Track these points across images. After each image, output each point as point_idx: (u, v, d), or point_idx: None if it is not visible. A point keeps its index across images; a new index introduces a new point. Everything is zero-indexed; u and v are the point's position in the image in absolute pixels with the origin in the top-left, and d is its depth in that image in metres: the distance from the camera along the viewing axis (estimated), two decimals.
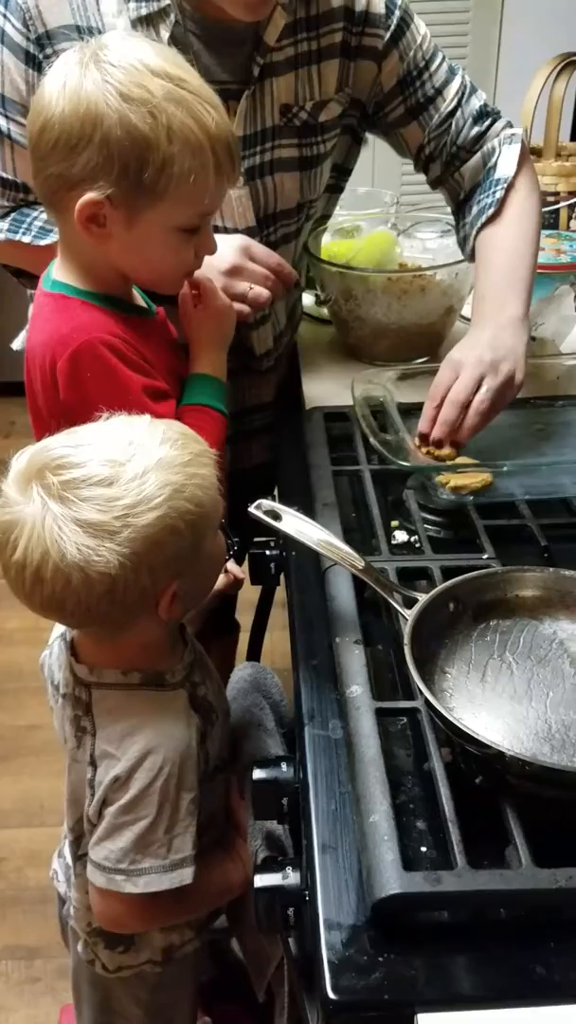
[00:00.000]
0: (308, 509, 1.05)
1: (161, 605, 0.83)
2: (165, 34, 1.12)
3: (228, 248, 1.12)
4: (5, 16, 1.11)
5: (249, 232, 1.23)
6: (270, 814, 0.86)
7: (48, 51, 1.11)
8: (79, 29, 1.10)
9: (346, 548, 0.88)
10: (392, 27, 1.26)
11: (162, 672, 0.90)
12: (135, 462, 0.79)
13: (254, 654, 1.41)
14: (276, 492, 1.20)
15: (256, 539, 1.16)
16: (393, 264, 1.49)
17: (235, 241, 1.14)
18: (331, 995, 0.62)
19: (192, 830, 0.87)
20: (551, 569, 0.89)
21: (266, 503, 0.88)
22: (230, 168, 0.95)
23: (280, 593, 1.16)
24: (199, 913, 1.00)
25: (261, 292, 1.14)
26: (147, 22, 1.12)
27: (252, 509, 0.88)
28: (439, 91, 1.32)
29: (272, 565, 1.13)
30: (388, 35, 1.26)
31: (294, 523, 0.88)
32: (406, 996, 0.62)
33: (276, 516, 0.88)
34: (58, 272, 0.99)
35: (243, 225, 1.23)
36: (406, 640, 0.78)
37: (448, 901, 0.66)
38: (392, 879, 0.65)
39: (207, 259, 1.04)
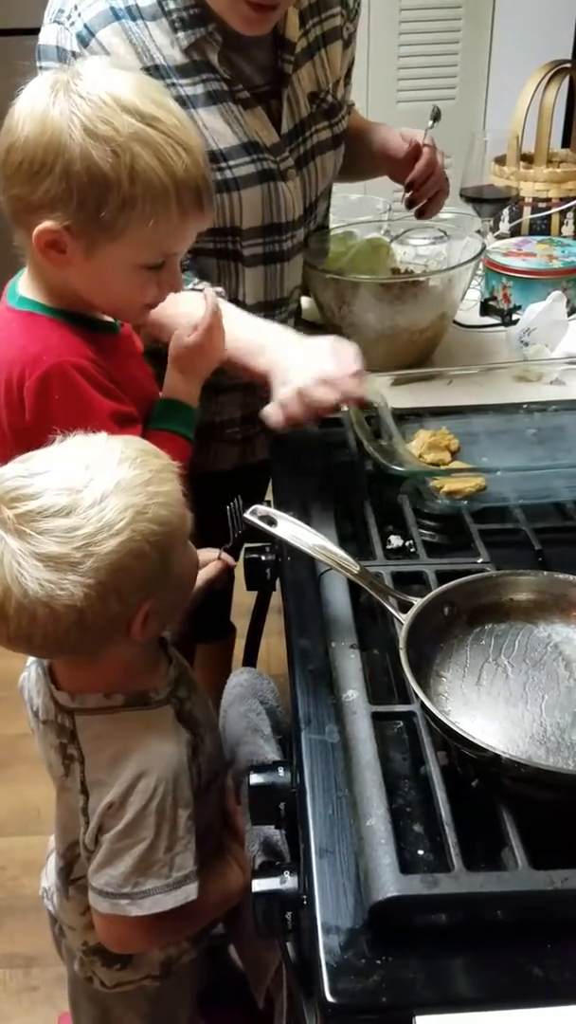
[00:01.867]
0: (303, 514, 1.06)
1: (134, 628, 0.82)
2: (214, 56, 1.16)
3: (324, 354, 1.08)
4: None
5: (296, 223, 1.28)
6: (267, 819, 0.86)
7: None
8: (148, 70, 1.13)
9: (341, 553, 0.88)
10: (355, 17, 1.34)
11: (145, 691, 0.89)
12: (92, 487, 0.77)
13: (250, 659, 1.41)
14: (271, 497, 1.20)
15: (251, 544, 1.16)
16: (385, 271, 1.50)
17: (326, 343, 1.10)
18: (329, 998, 0.62)
19: (192, 845, 0.87)
20: (545, 573, 0.89)
21: (261, 508, 0.89)
22: (197, 211, 0.94)
23: (276, 598, 1.16)
24: (203, 924, 1.00)
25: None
26: (197, 48, 1.15)
27: (247, 515, 0.88)
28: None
29: (267, 570, 1.13)
30: (354, 26, 1.35)
31: (289, 528, 0.88)
32: (404, 999, 0.62)
33: (271, 521, 0.88)
34: (25, 288, 0.99)
35: (295, 216, 1.28)
36: (401, 644, 0.78)
37: (445, 903, 0.66)
38: (389, 882, 0.65)
39: (304, 360, 1.05)
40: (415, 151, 1.40)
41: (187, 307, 1.09)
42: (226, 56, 1.17)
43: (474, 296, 1.61)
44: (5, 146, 0.90)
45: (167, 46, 1.14)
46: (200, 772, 0.93)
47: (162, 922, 0.88)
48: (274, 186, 1.24)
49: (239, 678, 1.09)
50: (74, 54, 1.11)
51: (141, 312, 1.02)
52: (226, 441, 1.44)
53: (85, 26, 1.11)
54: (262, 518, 0.88)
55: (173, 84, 1.15)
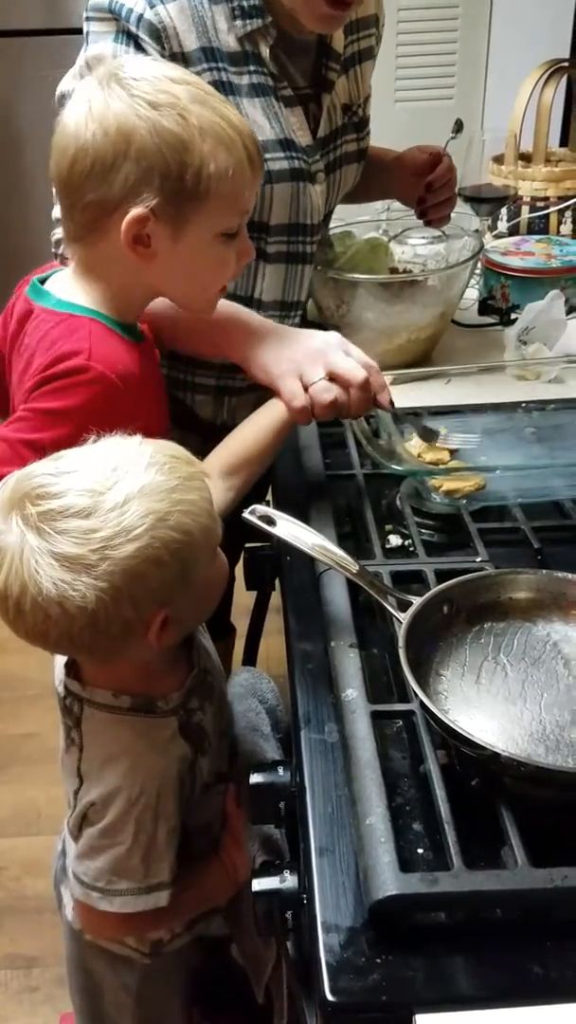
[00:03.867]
0: (302, 514, 1.06)
1: (151, 633, 0.82)
2: (265, 50, 1.18)
3: (320, 337, 1.07)
4: (138, 36, 1.11)
5: (317, 228, 1.30)
6: (267, 818, 0.86)
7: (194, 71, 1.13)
8: (204, 51, 1.14)
9: (340, 552, 0.88)
10: (379, 42, 1.39)
11: (154, 698, 0.89)
12: (116, 490, 0.76)
13: (250, 659, 1.41)
14: (271, 497, 1.20)
15: (250, 544, 1.16)
16: (384, 270, 1.50)
17: (331, 336, 1.07)
18: (330, 997, 0.62)
19: (170, 857, 0.88)
20: (544, 571, 0.89)
21: (260, 508, 0.89)
22: (260, 161, 0.97)
23: (275, 598, 1.16)
24: (185, 918, 1.01)
25: (335, 392, 1.03)
26: (250, 39, 1.17)
27: (246, 514, 0.88)
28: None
29: (267, 570, 1.13)
30: (379, 49, 1.39)
31: (288, 528, 0.88)
32: (404, 997, 0.62)
33: (270, 521, 0.88)
34: (68, 293, 0.97)
35: (317, 219, 1.30)
36: (401, 643, 0.78)
37: (445, 902, 0.66)
38: (389, 881, 0.65)
39: (288, 345, 1.04)
40: (435, 159, 1.43)
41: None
42: (275, 54, 1.19)
43: (473, 295, 1.61)
44: (69, 158, 0.90)
45: (224, 31, 1.16)
46: (196, 779, 0.93)
47: (132, 919, 0.90)
48: (303, 186, 1.25)
49: (239, 678, 1.09)
50: (138, 18, 1.11)
51: (215, 298, 1.02)
52: None
53: None
54: (261, 518, 0.88)
55: (222, 69, 1.16)
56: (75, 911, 0.93)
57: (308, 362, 1.02)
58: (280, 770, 0.85)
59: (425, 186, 1.41)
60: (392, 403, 1.07)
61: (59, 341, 0.93)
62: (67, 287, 0.99)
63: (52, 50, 2.72)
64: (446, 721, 0.72)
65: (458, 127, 1.45)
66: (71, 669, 0.91)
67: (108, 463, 0.78)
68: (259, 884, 0.76)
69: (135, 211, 0.90)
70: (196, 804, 0.94)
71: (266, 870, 0.79)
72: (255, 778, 0.84)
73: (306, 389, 1.02)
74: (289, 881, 0.76)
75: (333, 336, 1.06)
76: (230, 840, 0.97)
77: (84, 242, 0.95)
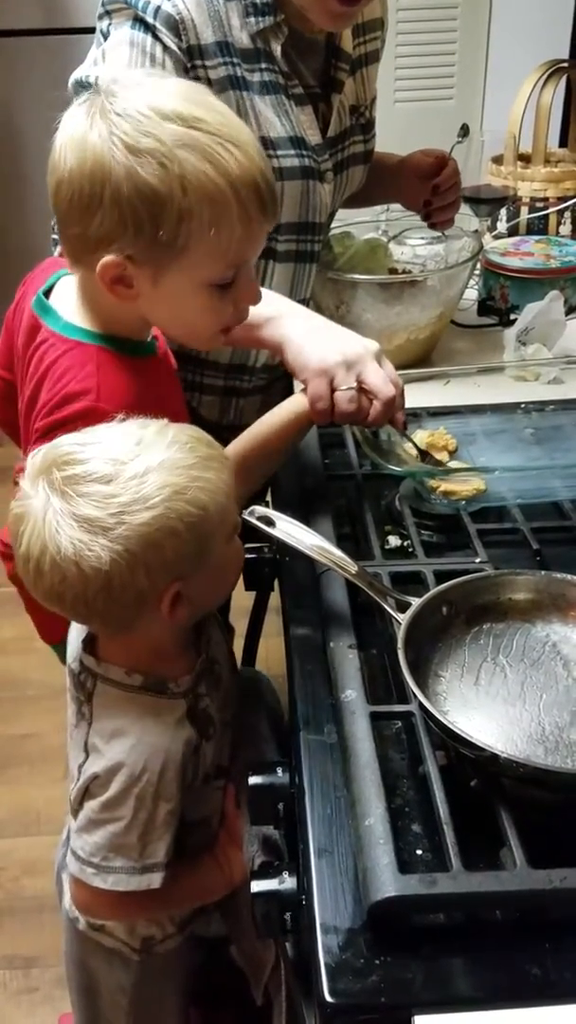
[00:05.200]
0: (302, 515, 1.06)
1: (163, 607, 0.83)
2: (277, 47, 1.18)
3: (360, 344, 1.04)
4: (155, 27, 1.10)
5: (323, 227, 1.30)
6: (266, 819, 0.86)
7: (198, 63, 1.13)
8: (220, 45, 1.14)
9: (339, 553, 0.88)
10: (383, 46, 1.39)
11: (165, 679, 0.90)
12: (137, 462, 0.80)
13: (248, 660, 1.41)
14: (270, 498, 1.20)
15: (250, 545, 1.16)
16: (383, 270, 1.50)
17: (372, 345, 1.04)
18: (328, 998, 0.62)
19: (167, 838, 0.89)
20: (543, 572, 0.89)
21: (259, 509, 0.89)
22: (259, 212, 0.88)
23: (274, 599, 1.16)
24: (175, 910, 1.02)
25: (359, 403, 1.01)
26: (262, 36, 1.17)
27: (245, 515, 0.88)
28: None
29: (266, 571, 1.13)
30: (382, 53, 1.39)
31: (287, 529, 0.89)
32: (403, 998, 0.62)
33: (269, 522, 0.88)
34: (73, 315, 0.95)
35: (325, 218, 1.30)
36: (400, 644, 0.78)
37: (444, 903, 0.66)
38: (388, 882, 0.65)
39: (328, 343, 1.02)
40: (440, 162, 1.43)
41: None
42: (286, 51, 1.20)
43: (472, 296, 1.61)
44: (53, 185, 0.87)
45: (237, 28, 1.16)
46: (198, 769, 0.93)
47: (125, 899, 0.91)
48: (313, 184, 1.26)
49: (239, 676, 1.09)
50: (155, 9, 1.10)
51: (216, 337, 0.97)
52: None
53: None
54: (260, 519, 0.88)
55: (237, 65, 1.16)
56: (70, 886, 0.94)
57: (343, 367, 1.01)
58: (279, 771, 0.85)
59: (431, 189, 1.42)
60: (405, 425, 1.08)
61: (67, 376, 0.91)
62: (72, 306, 0.95)
63: (51, 50, 2.72)
64: (445, 722, 0.72)
65: (464, 132, 1.46)
66: (87, 645, 0.92)
67: (132, 438, 0.82)
68: (258, 885, 0.76)
69: (109, 257, 0.86)
70: (195, 797, 0.94)
71: (265, 871, 0.79)
72: (254, 779, 0.84)
73: (332, 391, 1.01)
74: (288, 882, 0.76)
75: (373, 345, 1.04)
76: (227, 838, 0.98)
77: (76, 265, 0.92)
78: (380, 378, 1.01)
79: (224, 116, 0.87)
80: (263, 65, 1.18)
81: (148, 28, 1.10)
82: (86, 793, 0.89)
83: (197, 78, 1.13)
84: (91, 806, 0.88)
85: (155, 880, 0.89)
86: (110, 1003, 1.09)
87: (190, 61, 1.12)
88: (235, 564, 0.92)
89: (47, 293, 0.99)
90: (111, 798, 0.87)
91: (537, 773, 0.70)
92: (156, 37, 1.10)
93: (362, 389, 1.01)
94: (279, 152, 1.21)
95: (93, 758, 0.88)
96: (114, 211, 0.83)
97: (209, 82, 1.13)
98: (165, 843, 0.89)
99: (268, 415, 1.06)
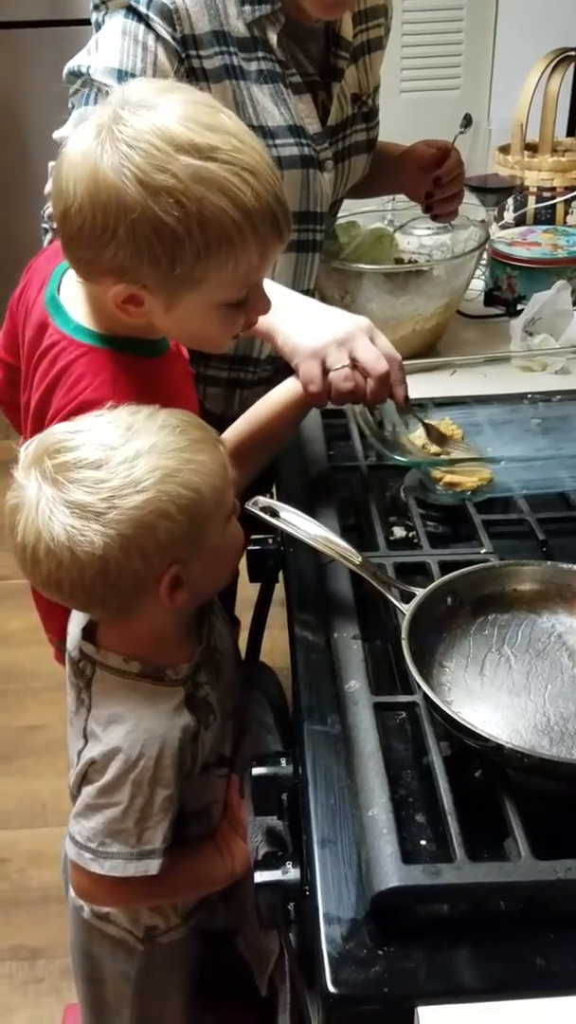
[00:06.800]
0: (306, 506, 1.05)
1: (161, 592, 0.84)
2: (273, 36, 1.17)
3: (350, 321, 1.03)
4: (148, 17, 1.09)
5: (324, 216, 1.29)
6: (270, 810, 0.86)
7: (192, 52, 1.12)
8: (216, 34, 1.14)
9: (343, 544, 0.88)
10: (388, 34, 1.39)
11: (164, 667, 0.90)
12: (128, 447, 0.80)
13: (253, 651, 1.41)
14: (275, 489, 1.20)
15: (255, 536, 1.16)
16: (389, 261, 1.49)
17: (362, 321, 1.03)
18: (331, 989, 0.62)
19: (165, 825, 0.89)
20: (548, 563, 0.89)
21: (263, 500, 0.88)
22: (275, 236, 0.87)
23: (279, 591, 1.16)
24: (176, 899, 1.01)
25: (356, 381, 1.00)
26: (259, 25, 1.16)
27: (249, 506, 0.88)
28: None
29: (271, 563, 1.13)
30: (387, 41, 1.39)
31: (291, 519, 0.88)
32: (406, 989, 0.62)
33: (273, 512, 0.88)
34: (81, 315, 0.93)
35: (326, 208, 1.29)
36: (404, 634, 0.78)
37: (447, 894, 0.66)
38: (391, 872, 0.65)
39: (317, 325, 1.00)
40: (443, 153, 1.42)
41: None
42: (283, 41, 1.19)
43: (479, 286, 1.60)
44: (60, 209, 0.84)
45: (233, 16, 1.15)
46: (197, 756, 0.93)
47: (125, 885, 0.91)
48: (313, 173, 1.25)
49: (242, 669, 1.08)
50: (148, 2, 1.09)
51: (227, 343, 0.97)
52: None
53: None
54: (263, 509, 0.88)
55: (233, 54, 1.16)
56: (69, 873, 0.94)
57: (333, 345, 1.00)
58: (283, 761, 0.84)
59: (433, 181, 1.41)
60: (407, 399, 1.06)
61: (81, 383, 0.90)
62: (81, 306, 0.94)
63: (54, 41, 2.72)
64: (449, 713, 0.72)
65: (467, 121, 1.45)
66: (87, 632, 0.92)
67: (122, 424, 0.82)
68: (261, 876, 0.75)
69: (121, 286, 0.84)
70: (195, 785, 0.94)
71: (268, 862, 0.79)
72: (257, 769, 0.83)
73: (326, 372, 1.00)
74: (291, 873, 0.75)
75: (364, 321, 1.02)
76: (229, 827, 0.98)
77: (84, 281, 0.90)
78: (372, 354, 1.00)
79: (236, 138, 0.83)
80: (260, 54, 1.18)
81: (141, 18, 1.10)
82: (84, 778, 0.89)
83: (191, 68, 1.12)
84: (88, 791, 0.88)
85: (152, 866, 0.89)
86: (114, 991, 1.10)
87: (184, 51, 1.12)
88: (234, 548, 0.92)
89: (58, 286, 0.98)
90: (108, 783, 0.87)
91: (542, 763, 0.69)
92: (149, 26, 1.10)
93: (356, 367, 1.00)
94: (277, 141, 1.20)
95: (91, 744, 0.89)
96: (128, 246, 0.82)
97: (204, 72, 1.13)
98: (162, 830, 0.89)
99: (264, 399, 1.06)
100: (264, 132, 1.18)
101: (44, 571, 0.81)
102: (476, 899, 0.67)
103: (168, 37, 1.10)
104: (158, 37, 1.10)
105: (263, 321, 1.03)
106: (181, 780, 0.90)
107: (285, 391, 1.04)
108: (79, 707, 0.91)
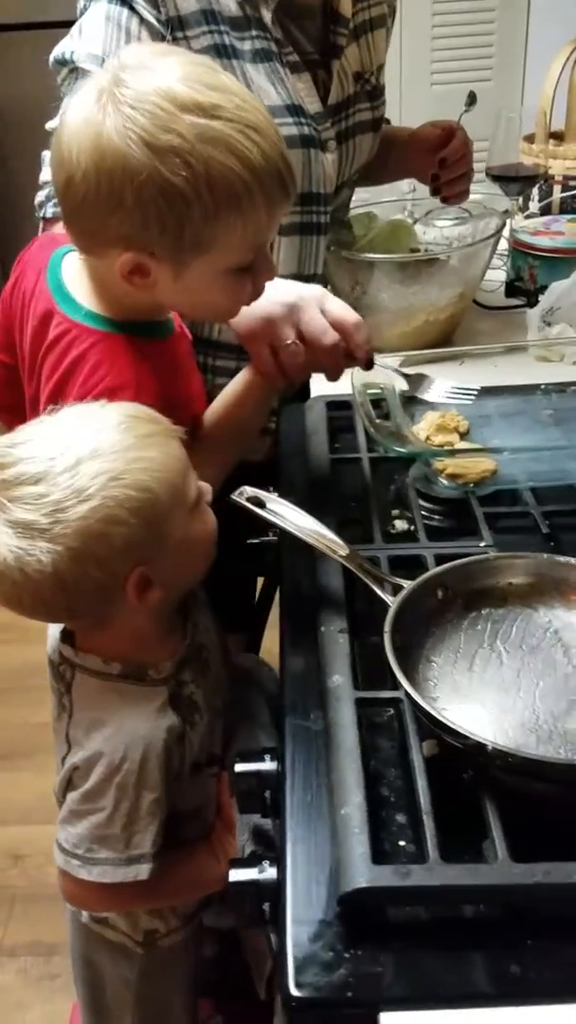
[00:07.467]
0: (308, 499, 1.03)
1: (128, 594, 0.81)
2: (267, 14, 1.16)
3: (294, 291, 0.99)
4: (131, 0, 1.08)
5: (330, 198, 1.26)
6: (254, 808, 0.84)
7: (178, 34, 1.10)
8: (204, 13, 1.12)
9: (330, 535, 0.85)
10: (394, 14, 1.37)
11: (145, 666, 0.88)
12: (68, 454, 0.77)
13: (253, 648, 1.39)
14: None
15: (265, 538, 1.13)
16: (404, 252, 1.46)
17: (307, 291, 1.00)
18: (293, 992, 0.60)
19: (154, 828, 0.87)
20: (545, 555, 0.85)
21: (249, 489, 0.86)
22: (283, 195, 0.85)
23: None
24: (171, 902, 1.00)
25: (303, 358, 0.98)
26: (251, 3, 1.14)
27: (235, 496, 0.86)
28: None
29: (270, 558, 1.11)
30: (392, 22, 1.37)
31: (278, 510, 0.86)
32: (371, 994, 0.59)
33: (260, 503, 0.86)
34: (86, 299, 0.92)
35: (330, 188, 1.26)
36: (387, 627, 0.75)
37: (417, 896, 0.63)
38: (360, 872, 0.62)
39: (260, 306, 0.96)
40: (448, 135, 1.40)
41: None
42: (278, 19, 1.17)
43: (500, 277, 1.56)
44: (63, 179, 0.82)
45: None
46: (185, 757, 0.91)
47: (113, 891, 0.89)
48: (314, 153, 1.22)
49: (236, 663, 1.07)
50: None
51: (235, 313, 0.95)
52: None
53: None
54: (250, 500, 0.86)
55: (224, 33, 1.14)
56: (59, 877, 0.93)
57: (280, 322, 0.96)
58: (267, 759, 0.82)
59: (439, 162, 1.37)
60: (370, 363, 1.01)
61: (100, 371, 0.88)
62: (87, 290, 0.92)
63: (38, 44, 2.70)
64: (429, 709, 0.69)
65: (471, 99, 1.42)
66: (65, 635, 0.91)
67: (62, 429, 0.79)
68: (235, 874, 0.73)
69: (129, 255, 0.83)
70: (186, 786, 0.92)
71: (246, 860, 0.77)
72: (240, 766, 0.81)
73: (277, 352, 0.97)
74: (268, 872, 0.73)
75: (310, 291, 0.98)
76: (222, 828, 0.96)
77: (87, 255, 0.89)
78: (318, 326, 0.96)
79: (238, 96, 0.82)
80: (254, 32, 1.16)
81: (124, 1, 1.08)
82: (68, 784, 0.88)
83: None
84: (73, 797, 0.87)
85: (143, 871, 0.87)
86: (115, 997, 1.08)
87: (170, 33, 1.10)
88: (204, 538, 0.88)
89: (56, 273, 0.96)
90: (91, 788, 0.86)
91: (526, 763, 0.66)
92: (132, 10, 1.08)
93: (305, 342, 0.97)
94: (275, 121, 1.16)
95: (74, 749, 0.87)
96: (136, 213, 0.80)
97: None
98: (151, 834, 0.87)
99: (224, 390, 1.03)
100: None
101: (4, 590, 0.79)
102: (448, 902, 0.64)
103: (152, 19, 1.08)
104: (142, 20, 1.08)
105: None
106: (170, 782, 0.89)
107: (242, 378, 1.01)
108: (60, 712, 0.90)
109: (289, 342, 0.96)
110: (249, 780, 0.82)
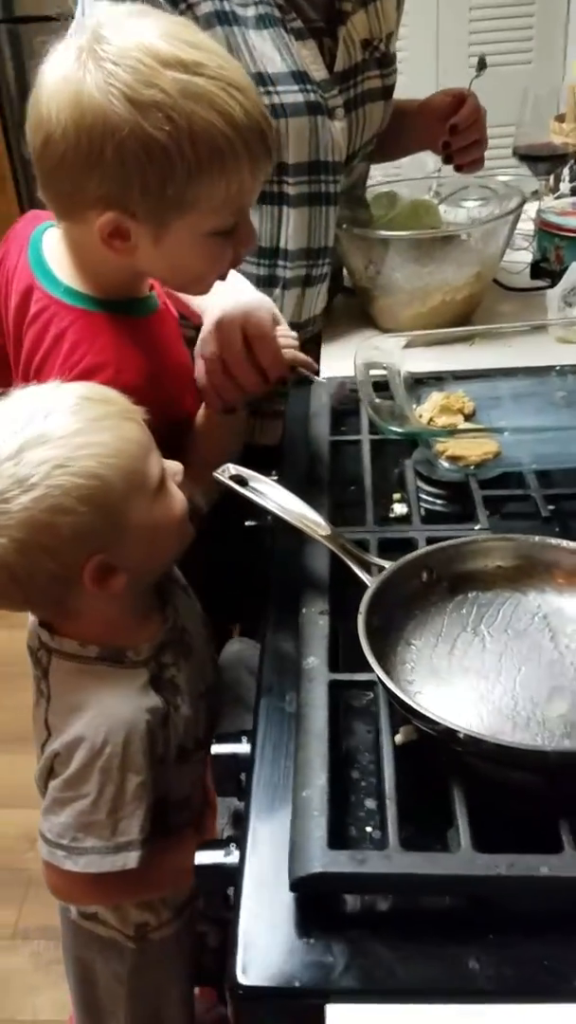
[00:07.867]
0: (308, 481, 1.01)
1: (86, 583, 0.79)
2: None
3: (211, 320, 0.97)
4: None
5: (340, 167, 1.23)
6: (230, 790, 0.81)
7: (182, 6, 1.08)
8: None
9: (311, 515, 0.83)
10: None
11: (123, 648, 0.86)
12: (10, 442, 0.75)
13: (252, 632, 1.36)
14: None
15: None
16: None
17: (226, 317, 0.97)
18: (239, 979, 0.58)
19: (140, 814, 0.84)
20: (536, 537, 0.82)
21: (232, 467, 0.84)
22: (265, 156, 0.84)
23: None
24: (161, 892, 0.97)
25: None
26: None
27: (217, 474, 0.84)
28: None
29: (267, 539, 1.09)
30: None
31: (260, 489, 0.84)
32: (319, 985, 0.57)
33: (242, 481, 0.84)
34: (66, 275, 0.90)
35: (339, 157, 1.23)
36: (361, 608, 0.73)
37: (373, 883, 0.61)
38: (314, 857, 0.60)
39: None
40: (458, 101, 1.36)
41: None
42: None
43: (527, 259, 1.52)
44: (40, 139, 0.80)
45: None
46: (170, 740, 0.89)
47: (103, 882, 0.86)
48: (321, 120, 1.19)
49: (231, 648, 1.05)
50: None
51: (214, 280, 0.92)
52: (269, 416, 1.39)
53: None
54: (232, 478, 0.84)
55: (225, 0, 1.12)
56: (43, 873, 0.91)
57: (207, 357, 0.97)
58: (244, 740, 0.80)
59: (450, 128, 1.34)
60: (286, 380, 1.01)
61: (79, 350, 0.87)
62: (66, 266, 0.91)
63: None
64: (396, 692, 0.66)
65: (481, 64, 1.38)
66: (42, 621, 0.89)
67: (11, 414, 0.77)
68: (200, 857, 0.71)
69: (109, 215, 0.81)
70: (173, 772, 0.90)
71: (218, 843, 0.74)
72: (216, 748, 0.79)
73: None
74: (234, 856, 0.71)
75: (229, 315, 0.95)
76: (211, 814, 0.94)
77: (64, 221, 0.88)
78: (234, 356, 0.96)
79: (219, 56, 0.82)
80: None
81: None
82: (50, 773, 0.86)
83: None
84: (55, 785, 0.85)
85: (131, 859, 0.84)
86: (108, 993, 1.06)
87: (175, 7, 1.08)
88: (171, 519, 0.85)
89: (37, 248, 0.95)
90: (73, 774, 0.83)
91: (498, 750, 0.63)
92: None
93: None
94: (279, 88, 1.14)
95: (54, 735, 0.85)
96: (116, 169, 0.78)
97: (196, 20, 1.08)
98: (138, 819, 0.84)
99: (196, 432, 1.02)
100: (263, 79, 1.13)
101: None
102: (405, 891, 0.61)
103: None
104: None
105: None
106: (155, 765, 0.87)
107: (201, 413, 1.00)
108: (39, 698, 0.88)
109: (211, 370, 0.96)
110: (226, 762, 0.79)
